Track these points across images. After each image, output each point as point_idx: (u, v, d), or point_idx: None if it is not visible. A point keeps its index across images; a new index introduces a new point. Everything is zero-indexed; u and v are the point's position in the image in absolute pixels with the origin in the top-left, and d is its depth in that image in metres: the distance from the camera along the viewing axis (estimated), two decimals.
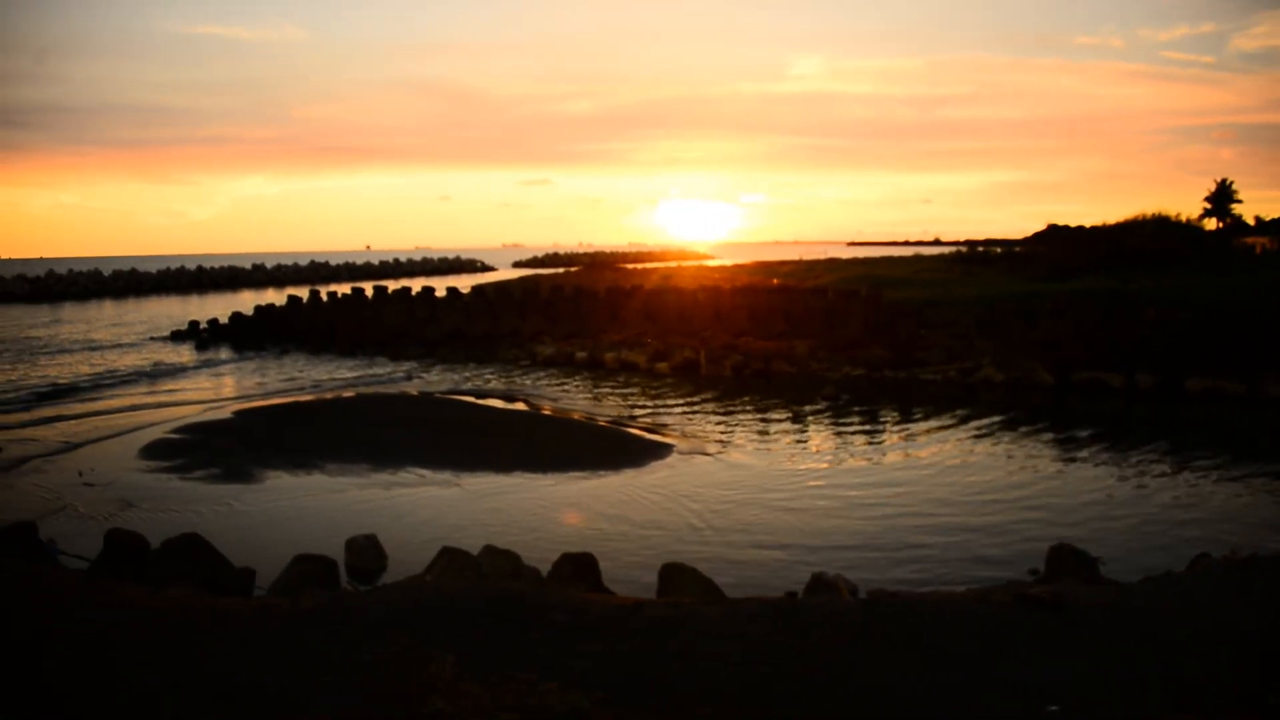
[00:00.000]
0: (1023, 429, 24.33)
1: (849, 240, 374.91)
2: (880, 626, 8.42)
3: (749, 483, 19.17)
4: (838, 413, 27.06)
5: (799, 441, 23.35)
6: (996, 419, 25.63)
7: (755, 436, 23.89)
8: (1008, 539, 15.42)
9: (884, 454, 21.90)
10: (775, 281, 53.74)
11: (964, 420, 25.53)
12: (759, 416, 26.58)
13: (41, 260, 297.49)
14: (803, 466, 20.74)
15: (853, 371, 33.45)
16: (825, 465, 20.85)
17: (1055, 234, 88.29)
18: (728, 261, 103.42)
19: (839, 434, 24.23)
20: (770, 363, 34.73)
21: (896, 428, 24.97)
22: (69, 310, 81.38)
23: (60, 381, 36.53)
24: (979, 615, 8.71)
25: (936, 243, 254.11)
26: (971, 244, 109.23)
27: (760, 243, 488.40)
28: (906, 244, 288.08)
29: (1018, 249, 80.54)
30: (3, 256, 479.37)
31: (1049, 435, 23.66)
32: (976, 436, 23.60)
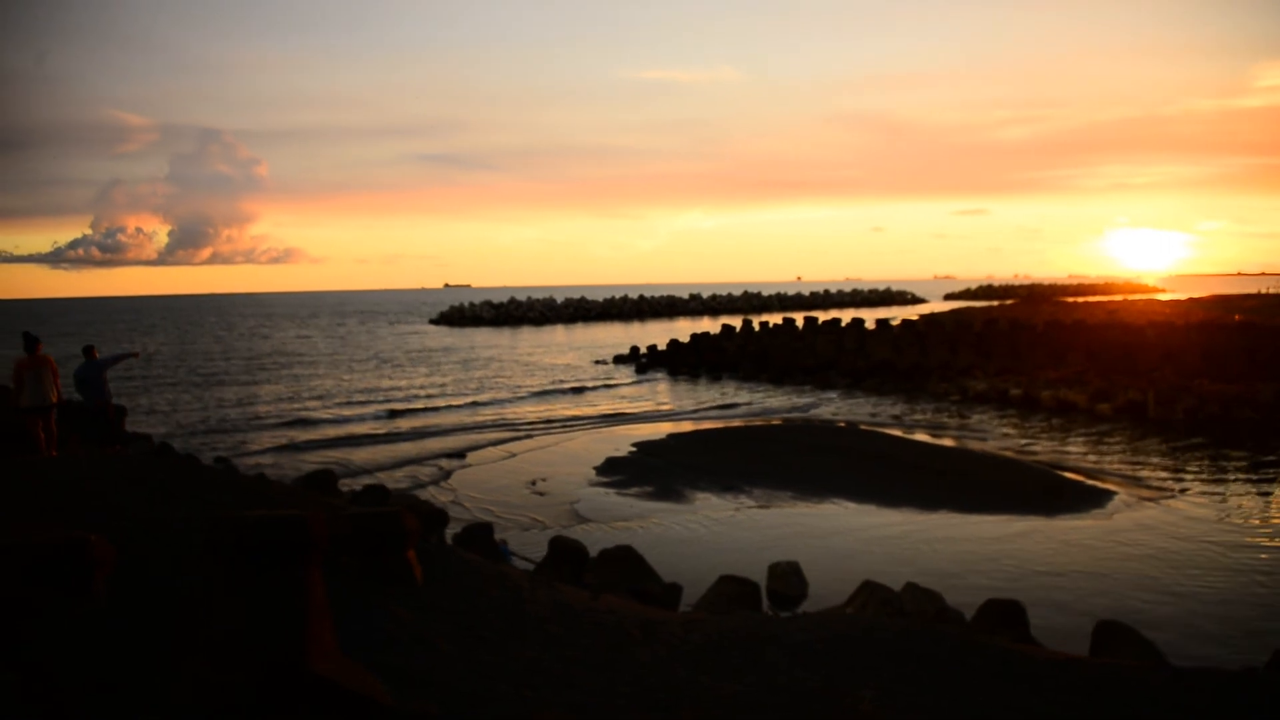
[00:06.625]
0: None
1: None
2: None
3: (1200, 539, 17.40)
4: None
5: (1263, 497, 20.89)
6: None
7: (1209, 489, 21.64)
8: None
9: None
10: (1237, 317, 48.65)
11: None
12: (1214, 467, 24.06)
13: (505, 289, 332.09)
14: (1266, 526, 18.51)
15: None
16: None
17: None
18: (1180, 295, 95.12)
19: None
20: (1229, 407, 31.48)
21: None
22: (525, 334, 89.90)
23: (515, 403, 40.70)
24: None
25: None
26: None
27: (1219, 274, 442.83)
28: None
29: None
30: (473, 285, 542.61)
31: None
32: None
